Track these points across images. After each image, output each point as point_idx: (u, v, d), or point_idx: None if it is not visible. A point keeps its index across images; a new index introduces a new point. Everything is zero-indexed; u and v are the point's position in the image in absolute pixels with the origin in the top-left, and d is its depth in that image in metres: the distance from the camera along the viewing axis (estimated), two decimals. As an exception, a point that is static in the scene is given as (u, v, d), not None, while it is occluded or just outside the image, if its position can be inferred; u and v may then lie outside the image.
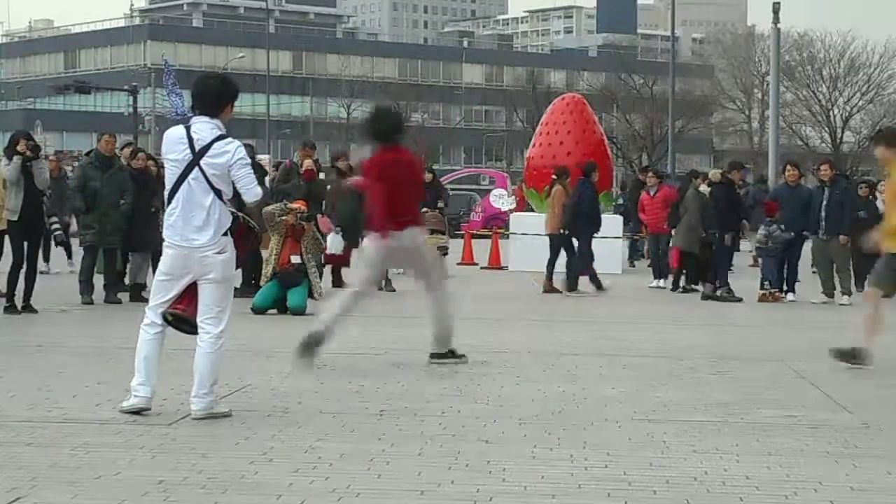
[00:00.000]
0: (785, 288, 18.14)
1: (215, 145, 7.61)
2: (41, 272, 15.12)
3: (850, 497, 6.02)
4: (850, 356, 10.58)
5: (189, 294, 7.71)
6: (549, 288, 18.70)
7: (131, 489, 5.83)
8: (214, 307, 7.67)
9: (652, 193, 21.24)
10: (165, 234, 7.72)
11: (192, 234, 7.60)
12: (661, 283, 20.35)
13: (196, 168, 7.58)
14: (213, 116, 7.71)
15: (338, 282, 17.79)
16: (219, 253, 7.62)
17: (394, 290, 17.61)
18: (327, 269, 17.57)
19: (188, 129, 7.68)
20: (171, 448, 6.78)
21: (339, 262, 17.80)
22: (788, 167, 18.73)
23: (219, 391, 7.94)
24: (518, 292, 19.00)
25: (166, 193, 7.74)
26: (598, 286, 18.44)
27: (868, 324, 10.68)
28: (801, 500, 5.92)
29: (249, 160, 7.96)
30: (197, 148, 7.59)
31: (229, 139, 7.71)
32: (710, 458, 6.76)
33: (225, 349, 7.80)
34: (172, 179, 7.66)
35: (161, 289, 7.76)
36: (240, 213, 8.01)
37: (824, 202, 17.64)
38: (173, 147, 7.66)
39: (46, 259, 19.59)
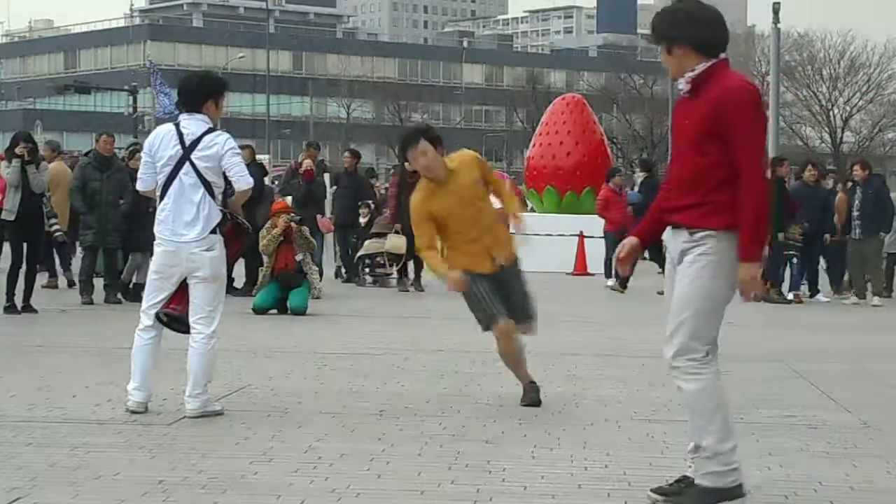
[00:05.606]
0: (805, 290, 18.14)
1: (205, 138, 7.65)
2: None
3: (850, 497, 6.02)
4: None
5: (182, 293, 7.72)
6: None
7: (131, 489, 5.82)
8: (206, 307, 7.67)
9: (620, 191, 20.55)
10: (156, 230, 7.76)
11: (181, 228, 7.64)
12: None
13: (187, 163, 7.63)
14: (198, 112, 7.74)
15: None
16: (207, 250, 7.63)
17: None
18: (328, 271, 17.56)
19: (177, 125, 7.73)
20: (171, 448, 6.78)
21: None
22: (809, 167, 18.66)
23: (218, 391, 7.92)
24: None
25: (158, 191, 7.75)
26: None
27: None
28: (801, 500, 5.91)
29: (240, 151, 7.99)
30: (187, 143, 7.63)
31: (219, 131, 7.75)
32: (710, 458, 6.74)
33: (217, 348, 7.79)
34: (164, 176, 7.69)
35: (154, 288, 7.77)
36: (228, 211, 8.01)
37: (857, 202, 17.60)
38: (165, 144, 7.69)
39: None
